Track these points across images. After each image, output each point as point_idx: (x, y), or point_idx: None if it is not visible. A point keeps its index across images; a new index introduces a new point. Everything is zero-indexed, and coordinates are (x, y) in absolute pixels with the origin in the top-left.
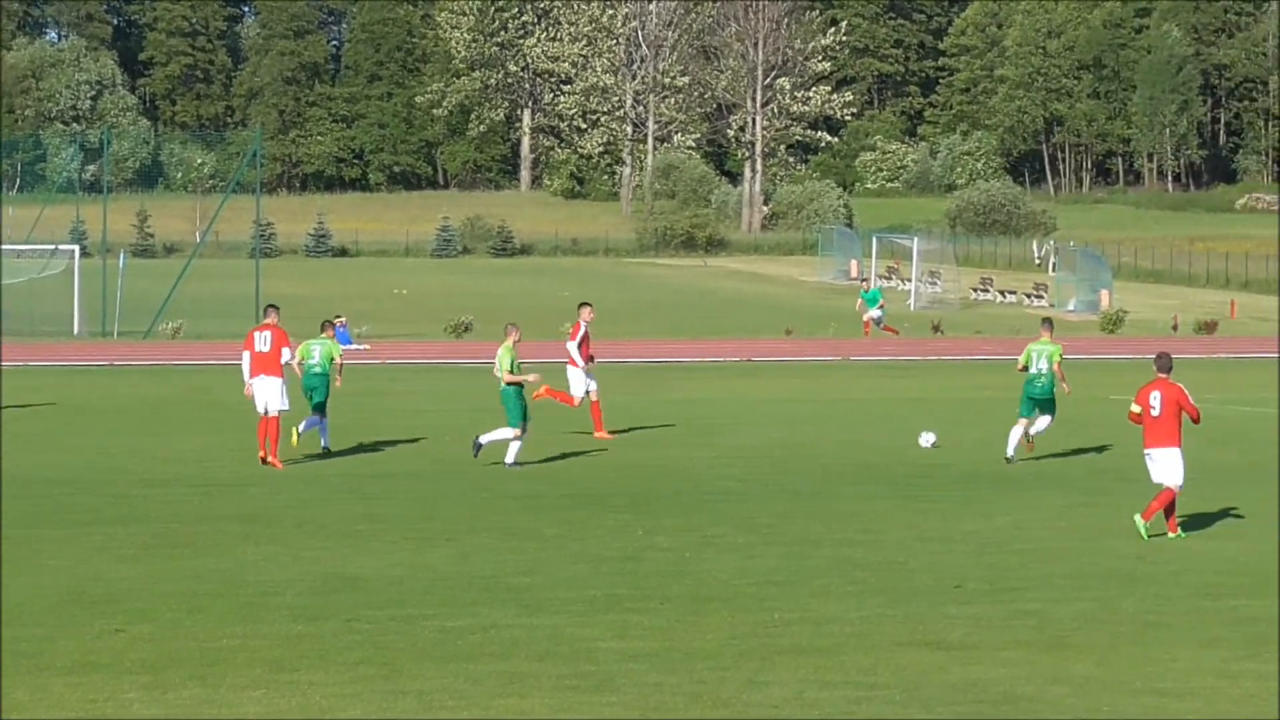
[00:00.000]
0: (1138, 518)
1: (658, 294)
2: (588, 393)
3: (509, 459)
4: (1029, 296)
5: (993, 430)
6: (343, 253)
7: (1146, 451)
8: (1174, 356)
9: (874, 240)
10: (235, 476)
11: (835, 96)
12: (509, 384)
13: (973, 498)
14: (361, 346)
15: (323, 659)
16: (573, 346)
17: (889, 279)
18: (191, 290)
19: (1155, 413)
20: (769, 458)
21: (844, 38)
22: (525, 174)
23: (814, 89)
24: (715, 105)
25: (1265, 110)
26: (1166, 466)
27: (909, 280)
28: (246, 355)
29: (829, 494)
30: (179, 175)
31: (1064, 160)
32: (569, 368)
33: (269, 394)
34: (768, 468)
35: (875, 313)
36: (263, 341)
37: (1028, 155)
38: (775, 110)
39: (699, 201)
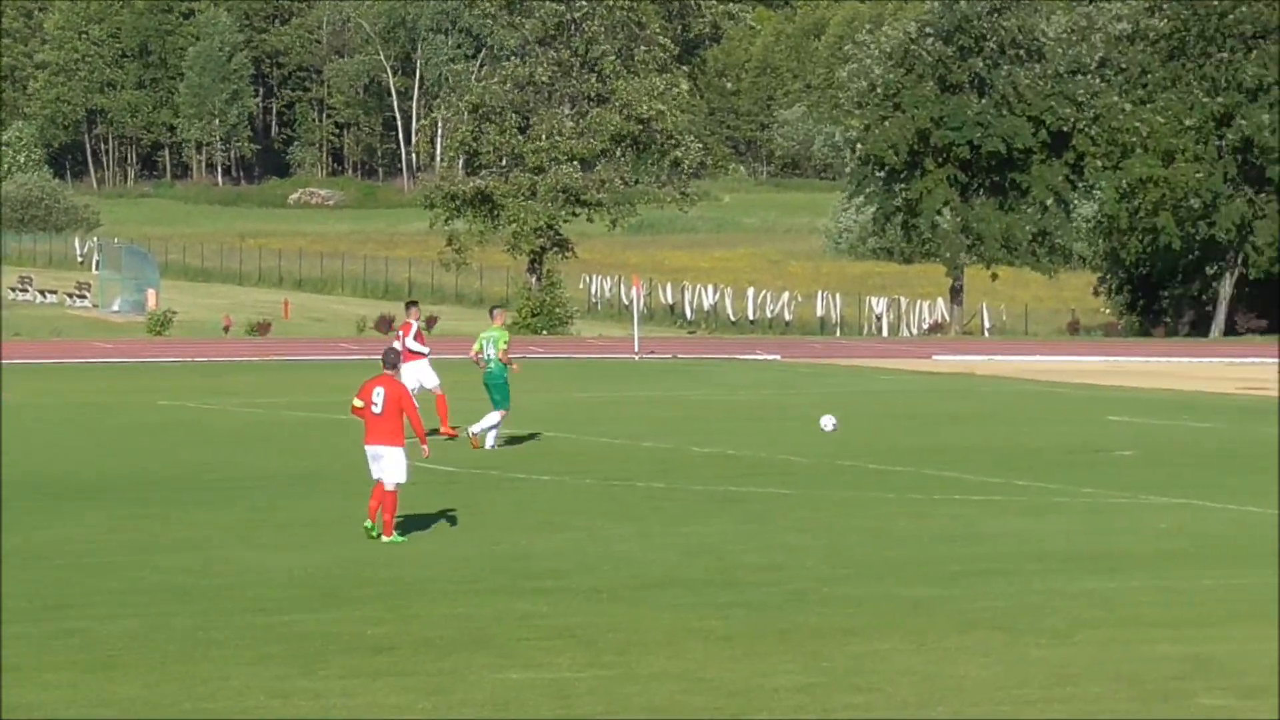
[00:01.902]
0: (367, 522)
1: None
2: (429, 388)
3: None
4: (71, 296)
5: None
6: None
7: (368, 448)
8: (223, 360)
9: None
10: None
11: None
12: None
13: (15, 510)
14: None
15: None
16: (411, 342)
17: None
18: None
19: (377, 409)
20: None
21: None
22: None
23: None
24: None
25: (319, 100)
26: (388, 464)
27: None
28: None
29: None
30: None
31: (108, 152)
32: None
33: None
34: None
35: None
36: None
37: (69, 147)
38: None
39: None
